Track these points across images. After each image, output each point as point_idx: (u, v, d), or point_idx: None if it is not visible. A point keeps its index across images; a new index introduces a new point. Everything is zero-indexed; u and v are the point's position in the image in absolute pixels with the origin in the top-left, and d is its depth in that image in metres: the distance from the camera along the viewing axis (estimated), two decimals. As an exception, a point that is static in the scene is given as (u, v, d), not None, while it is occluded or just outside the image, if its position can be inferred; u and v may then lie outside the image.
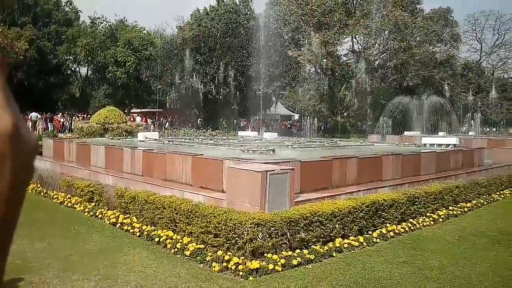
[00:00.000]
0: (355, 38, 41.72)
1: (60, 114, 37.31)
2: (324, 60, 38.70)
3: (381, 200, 7.30)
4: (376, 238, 6.76)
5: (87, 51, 44.17)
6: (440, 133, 26.58)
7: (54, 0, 49.16)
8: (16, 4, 42.96)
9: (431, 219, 8.14)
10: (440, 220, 8.28)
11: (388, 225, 7.26)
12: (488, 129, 46.16)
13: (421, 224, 7.80)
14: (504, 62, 61.63)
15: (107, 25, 49.16)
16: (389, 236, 6.96)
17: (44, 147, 15.03)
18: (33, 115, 34.90)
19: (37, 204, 9.42)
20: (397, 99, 34.86)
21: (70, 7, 51.74)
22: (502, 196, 11.21)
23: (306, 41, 36.66)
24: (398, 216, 7.59)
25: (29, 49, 41.36)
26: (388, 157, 10.57)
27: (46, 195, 10.09)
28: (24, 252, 5.94)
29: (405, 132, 28.86)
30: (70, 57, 47.94)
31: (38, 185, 10.80)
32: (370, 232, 6.88)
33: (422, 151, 12.65)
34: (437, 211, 8.53)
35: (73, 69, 53.41)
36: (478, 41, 61.70)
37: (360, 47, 42.43)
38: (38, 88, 44.21)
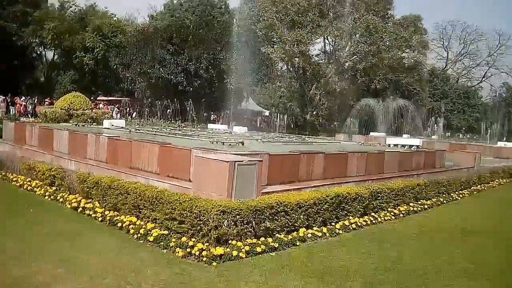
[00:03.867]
0: (327, 39, 42.24)
1: (23, 98, 35.88)
2: (296, 58, 38.99)
3: (345, 193, 7.45)
4: (339, 229, 6.90)
5: (55, 34, 42.64)
6: (405, 135, 27.37)
7: (22, -21, 47.17)
8: None
9: (392, 214, 8.38)
10: (401, 215, 8.54)
11: (351, 217, 7.42)
12: (449, 133, 47.90)
13: (382, 218, 8.01)
14: (468, 70, 64.23)
15: (77, 9, 47.68)
16: (351, 228, 7.12)
17: (5, 130, 14.46)
18: (-5, 97, 33.40)
19: (-6, 186, 9.08)
20: (365, 100, 35.64)
21: (39, -12, 49.73)
22: (460, 195, 11.67)
23: (279, 39, 36.78)
24: (361, 209, 7.78)
25: (-8, 29, 39.63)
26: (353, 155, 10.80)
27: (5, 177, 9.71)
28: (-22, 233, 5.71)
29: (371, 133, 29.59)
30: (36, 40, 46.10)
31: (-4, 168, 10.36)
32: (333, 224, 7.02)
33: (386, 150, 12.99)
34: (399, 207, 8.79)
35: (38, 52, 51.42)
36: (444, 49, 64.03)
37: (331, 48, 43.02)
38: (1, 70, 42.36)
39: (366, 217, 7.75)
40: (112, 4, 73.04)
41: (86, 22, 44.32)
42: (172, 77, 35.42)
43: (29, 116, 30.97)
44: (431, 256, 6.12)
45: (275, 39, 37.79)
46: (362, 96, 38.56)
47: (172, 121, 31.09)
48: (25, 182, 8.93)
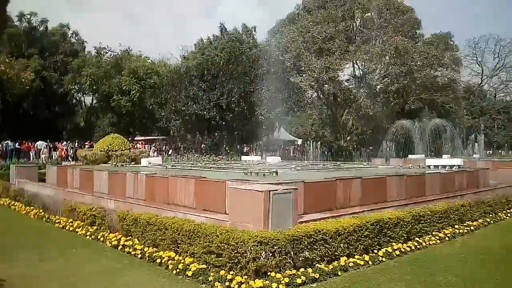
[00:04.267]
0: (356, 64, 42.22)
1: (65, 142, 37.55)
2: (326, 85, 39.08)
3: (386, 219, 7.20)
4: (382, 256, 6.63)
5: (92, 80, 44.87)
6: (444, 156, 26.46)
7: (61, 32, 50.33)
8: None
9: (437, 237, 8.00)
10: (447, 238, 8.14)
11: (393, 243, 7.13)
12: (491, 151, 45.95)
13: (427, 243, 7.66)
14: (506, 84, 62.09)
15: (112, 55, 50.14)
16: (395, 255, 6.83)
17: (48, 175, 15.08)
18: (39, 143, 35.12)
19: (38, 228, 9.38)
20: (400, 122, 34.95)
21: (76, 38, 52.87)
22: (509, 214, 11.04)
23: (308, 67, 37.08)
24: (404, 235, 7.47)
25: (35, 79, 42.11)
26: (392, 178, 10.51)
27: (48, 220, 10.03)
28: (25, 276, 5.87)
29: (409, 155, 28.78)
30: (75, 86, 48.61)
31: (41, 210, 10.75)
32: (375, 251, 6.76)
33: (426, 172, 12.58)
34: (443, 230, 8.39)
35: (78, 98, 54.09)
36: (479, 65, 62.37)
37: (361, 72, 42.90)
38: (44, 118, 44.69)
39: (410, 242, 7.43)
40: (146, 49, 76.51)
41: (122, 66, 46.41)
42: (205, 112, 36.16)
43: (70, 160, 32.26)
44: (480, 280, 5.76)
45: (303, 68, 38.19)
46: (396, 118, 37.83)
47: (207, 156, 31.51)
48: (67, 223, 9.19)
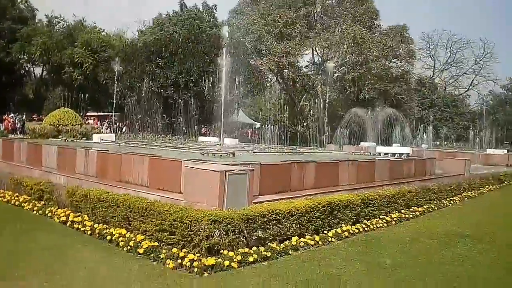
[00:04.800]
0: (316, 51, 42.68)
1: (12, 115, 35.56)
2: (286, 70, 39.30)
3: (337, 201, 7.44)
4: (332, 237, 6.87)
5: (43, 50, 42.48)
6: (394, 145, 27.50)
7: (9, -4, 47.10)
8: None
9: (384, 221, 8.37)
10: (393, 222, 8.53)
11: (343, 225, 7.39)
12: (439, 142, 48.31)
13: (374, 226, 8.00)
14: (456, 79, 65.19)
15: (65, 25, 47.64)
16: (344, 236, 7.09)
17: (-8, 147, 14.25)
18: (-19, 114, 33.05)
19: (-20, 203, 8.90)
20: (354, 110, 35.88)
21: (26, 4, 49.65)
22: (451, 202, 11.72)
23: (268, 50, 37.07)
24: (353, 217, 7.76)
25: (-21, 45, 39.38)
26: (344, 163, 10.84)
27: (-9, 194, 9.53)
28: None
29: (361, 143, 29.74)
30: (24, 56, 45.88)
31: (-17, 184, 10.17)
32: (325, 232, 6.97)
33: (377, 159, 13.05)
34: (390, 214, 8.79)
35: (27, 69, 51.14)
36: (431, 58, 64.97)
37: (320, 59, 43.45)
38: (-12, 87, 42.01)
39: (358, 224, 7.73)
40: (101, 20, 73.25)
41: (75, 37, 44.20)
42: (162, 90, 35.36)
43: (18, 133, 30.66)
44: (424, 261, 6.11)
45: (264, 51, 38.11)
46: (351, 106, 38.77)
47: (163, 135, 30.97)
48: (12, 198, 8.78)
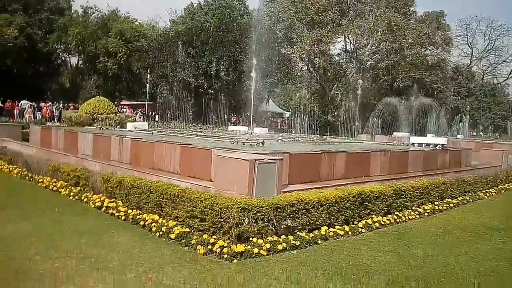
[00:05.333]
0: (348, 38, 41.85)
1: (50, 103, 36.83)
2: (317, 58, 38.78)
3: (368, 192, 7.33)
4: (362, 228, 6.79)
5: (79, 40, 43.61)
6: (429, 135, 26.81)
7: (46, -12, 48.48)
8: None
9: (416, 212, 8.20)
10: (426, 214, 8.35)
11: (374, 216, 7.29)
12: (475, 133, 46.69)
13: (406, 217, 7.85)
14: (494, 67, 62.47)
15: (99, 15, 48.64)
16: (374, 227, 7.00)
17: (31, 134, 14.85)
18: (23, 102, 34.37)
19: (21, 187, 9.31)
20: (387, 100, 35.12)
21: (62, -5, 51.02)
22: (487, 194, 11.34)
23: (299, 39, 36.64)
24: (384, 208, 7.63)
25: (19, 36, 40.75)
26: (376, 153, 10.64)
27: (31, 179, 9.95)
28: (8, 234, 5.86)
29: (394, 132, 29.13)
30: (61, 46, 47.26)
31: (24, 170, 10.63)
32: (356, 222, 6.91)
33: (410, 149, 12.76)
34: (423, 206, 8.60)
35: (63, 58, 52.70)
36: (469, 46, 62.43)
37: (352, 47, 42.60)
38: (27, 76, 43.52)
39: (389, 216, 7.60)
40: (134, 10, 74.30)
41: (109, 27, 45.12)
42: (193, 79, 35.72)
43: (56, 120, 31.76)
44: (456, 254, 5.96)
45: (295, 39, 37.70)
46: (384, 95, 38.01)
47: (194, 124, 31.35)
48: (50, 183, 9.13)
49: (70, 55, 51.64)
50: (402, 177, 10.45)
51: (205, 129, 25.23)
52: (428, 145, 15.00)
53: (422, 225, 7.61)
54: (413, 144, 16.54)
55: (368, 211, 7.34)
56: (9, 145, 13.73)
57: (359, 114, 35.65)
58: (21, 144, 13.95)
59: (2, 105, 33.95)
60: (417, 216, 8.12)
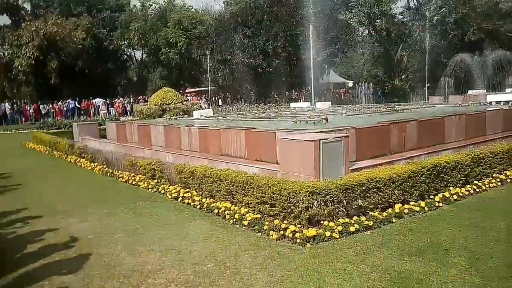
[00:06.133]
0: (410, -6, 39.36)
1: (121, 99, 39.01)
2: (378, 20, 37.00)
3: (443, 163, 6.97)
4: (439, 202, 6.50)
5: (140, 34, 45.42)
6: (508, 90, 24.71)
7: (105, -13, 50.77)
8: None
9: (498, 180, 7.67)
10: (508, 180, 7.78)
11: (451, 188, 6.93)
12: None
13: (487, 186, 7.38)
14: None
15: (157, 7, 50.09)
16: (452, 200, 6.67)
17: (108, 131, 15.90)
18: (97, 100, 36.78)
19: (104, 183, 10.05)
20: (459, 56, 32.72)
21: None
22: None
23: (358, 2, 35.07)
24: (462, 178, 7.23)
25: (86, 37, 43.31)
26: (450, 118, 10.08)
27: (112, 175, 10.69)
28: (95, 228, 6.40)
29: (469, 91, 27.18)
30: (125, 41, 49.53)
31: (104, 166, 11.46)
32: (432, 197, 6.62)
33: (487, 109, 11.87)
34: (505, 172, 8.01)
35: (128, 53, 55.25)
36: (551, -16, 55.85)
37: (416, 3, 40.01)
38: (98, 75, 46.39)
39: (468, 186, 7.19)
40: (189, -4, 75.40)
41: (167, 18, 46.38)
42: (251, 60, 35.79)
43: (128, 115, 33.62)
44: (547, 224, 5.53)
45: (352, 3, 36.17)
46: (456, 52, 35.37)
47: (256, 104, 31.58)
48: (129, 178, 9.76)
49: (134, 50, 54.03)
50: (480, 141, 9.84)
51: (267, 109, 25.32)
52: (507, 102, 13.87)
53: (504, 194, 7.12)
54: (490, 103, 15.40)
55: (445, 183, 6.99)
56: (89, 143, 14.81)
57: (429, 75, 33.65)
58: (100, 141, 15.00)
59: (79, 106, 36.54)
60: (499, 183, 7.59)
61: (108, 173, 10.93)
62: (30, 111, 36.24)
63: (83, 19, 45.15)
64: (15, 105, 36.74)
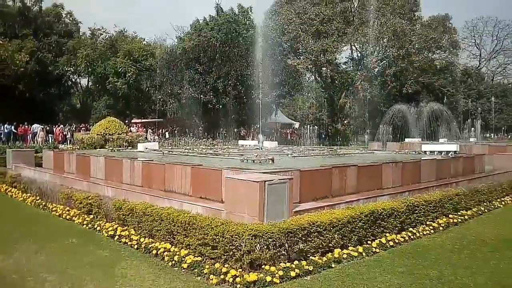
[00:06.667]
0: (354, 46, 41.98)
1: (62, 126, 37.35)
2: (324, 68, 38.92)
3: (380, 209, 7.25)
4: (376, 248, 6.70)
5: (88, 62, 44.31)
6: (441, 140, 26.54)
7: (55, 12, 49.57)
8: None
9: (431, 227, 8.08)
10: (441, 228, 8.22)
11: (387, 234, 7.19)
12: (489, 135, 46.09)
13: (421, 233, 7.74)
14: (504, 67, 62.03)
15: (107, 36, 49.45)
16: (388, 246, 6.91)
17: (44, 159, 15.04)
18: (35, 126, 34.90)
19: (35, 217, 9.40)
20: (397, 106, 34.90)
21: (71, 19, 52.13)
22: (503, 203, 11.13)
23: (305, 49, 36.84)
24: (398, 225, 7.53)
25: (30, 60, 41.58)
26: (388, 165, 10.53)
27: (45, 207, 10.06)
28: (20, 266, 5.91)
29: (405, 139, 28.88)
30: (71, 68, 48.05)
31: (37, 198, 10.77)
32: (369, 242, 6.82)
33: (422, 158, 12.61)
34: (437, 220, 8.46)
35: (73, 80, 53.60)
36: (477, 47, 62.18)
37: (359, 55, 42.67)
38: (39, 100, 44.33)
39: (403, 232, 7.49)
40: (141, 29, 75.44)
41: (117, 47, 45.79)
42: (201, 96, 35.97)
43: (68, 143, 32.13)
44: (473, 273, 5.83)
45: (301, 50, 37.89)
46: (394, 101, 37.76)
47: (204, 139, 31.47)
48: (64, 212, 9.22)
49: (80, 77, 52.52)
50: (415, 189, 10.33)
51: (214, 144, 25.31)
52: (440, 152, 14.80)
53: (437, 241, 7.49)
54: (424, 152, 16.33)
55: (382, 229, 7.25)
56: (23, 172, 13.92)
57: (369, 121, 35.51)
58: (35, 170, 14.13)
59: (16, 131, 34.51)
60: (432, 231, 7.99)
61: (41, 206, 10.27)
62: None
63: (28, 42, 43.49)
64: None
